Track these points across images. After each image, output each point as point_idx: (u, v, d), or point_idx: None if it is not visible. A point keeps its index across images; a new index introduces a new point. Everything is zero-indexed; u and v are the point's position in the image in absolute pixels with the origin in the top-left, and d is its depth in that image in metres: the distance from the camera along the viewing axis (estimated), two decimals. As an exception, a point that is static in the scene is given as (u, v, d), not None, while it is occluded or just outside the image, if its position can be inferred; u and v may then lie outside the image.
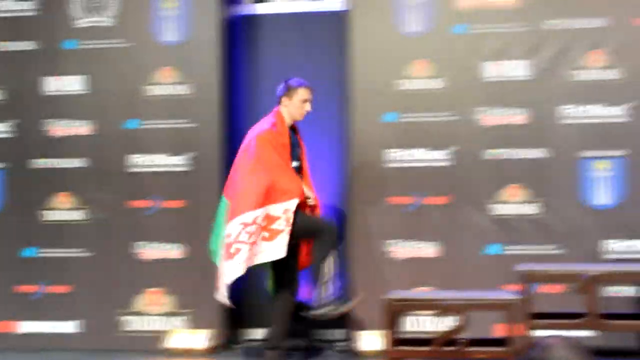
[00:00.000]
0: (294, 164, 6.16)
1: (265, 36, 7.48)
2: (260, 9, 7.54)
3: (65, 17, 7.25)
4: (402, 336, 5.96)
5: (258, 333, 7.19)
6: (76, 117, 7.19)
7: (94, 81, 7.19)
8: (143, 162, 7.13)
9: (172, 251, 7.08)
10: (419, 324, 6.67)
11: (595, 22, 6.63)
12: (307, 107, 6.18)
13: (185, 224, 7.05)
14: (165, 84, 7.13)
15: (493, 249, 6.69)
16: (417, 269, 6.72)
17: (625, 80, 6.59)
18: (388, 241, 6.78)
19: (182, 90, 7.10)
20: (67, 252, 7.15)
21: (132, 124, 7.14)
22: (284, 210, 5.92)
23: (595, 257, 6.53)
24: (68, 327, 7.13)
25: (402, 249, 6.77)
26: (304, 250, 6.20)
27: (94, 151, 7.16)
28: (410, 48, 6.84)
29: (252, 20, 7.51)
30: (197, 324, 7.01)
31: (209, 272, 6.89)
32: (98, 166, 7.15)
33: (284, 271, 6.17)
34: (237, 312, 7.24)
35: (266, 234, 5.90)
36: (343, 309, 6.08)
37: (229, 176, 6.21)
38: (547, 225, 6.63)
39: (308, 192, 6.13)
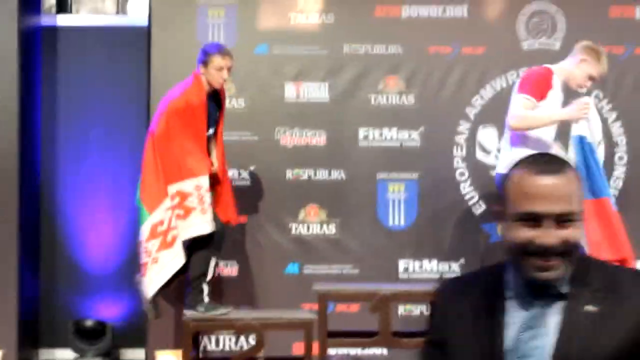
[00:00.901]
0: (210, 131, 5.99)
1: (67, 49, 7.33)
2: (61, 21, 7.39)
3: None
4: (201, 356, 5.98)
5: (55, 353, 7.03)
6: None
7: None
8: None
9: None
10: (219, 343, 6.70)
11: (392, 49, 6.86)
12: (224, 75, 5.93)
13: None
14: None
15: (292, 268, 6.80)
16: (217, 288, 6.74)
17: (418, 106, 6.84)
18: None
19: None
20: None
21: None
22: (195, 187, 5.75)
23: (389, 276, 6.73)
24: None
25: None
26: None
27: None
28: (212, 67, 6.84)
29: (53, 32, 7.34)
30: (-11, 344, 6.78)
31: (0, 289, 6.72)
32: None
33: None
34: (33, 331, 7.07)
35: (180, 212, 5.73)
36: (219, 312, 5.89)
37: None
38: (344, 245, 6.80)
39: (214, 159, 5.99)
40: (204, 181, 5.78)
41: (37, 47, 7.25)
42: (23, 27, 6.96)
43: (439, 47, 6.84)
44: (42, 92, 7.29)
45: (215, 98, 6.06)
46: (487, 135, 6.68)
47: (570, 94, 5.80)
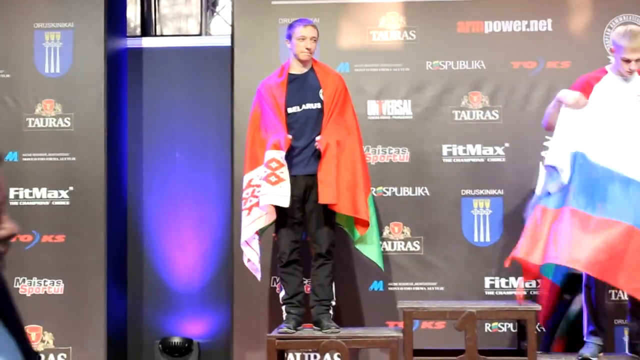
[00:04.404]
0: (307, 105, 5.98)
1: (151, 69, 7.46)
2: (146, 42, 7.52)
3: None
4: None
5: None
6: (-47, 149, 6.99)
7: (-29, 112, 7.03)
8: (23, 195, 6.99)
9: (51, 287, 6.93)
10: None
11: (475, 64, 6.81)
12: (306, 44, 5.98)
13: (65, 260, 6.92)
14: (47, 117, 7.00)
15: (376, 286, 6.77)
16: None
17: (502, 121, 6.77)
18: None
19: (63, 123, 6.99)
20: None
21: (11, 157, 6.99)
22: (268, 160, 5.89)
23: (475, 293, 6.66)
24: (-58, 366, 6.90)
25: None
26: None
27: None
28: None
29: (138, 53, 7.47)
30: (77, 361, 6.89)
31: (89, 308, 6.82)
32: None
33: None
34: (121, 349, 7.16)
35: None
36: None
37: None
38: (429, 262, 6.75)
39: (321, 137, 5.92)
40: (269, 155, 5.85)
41: (123, 68, 7.38)
42: (109, 49, 7.08)
43: (523, 62, 6.78)
44: (128, 112, 7.41)
45: (312, 77, 6.07)
46: (573, 150, 6.57)
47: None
